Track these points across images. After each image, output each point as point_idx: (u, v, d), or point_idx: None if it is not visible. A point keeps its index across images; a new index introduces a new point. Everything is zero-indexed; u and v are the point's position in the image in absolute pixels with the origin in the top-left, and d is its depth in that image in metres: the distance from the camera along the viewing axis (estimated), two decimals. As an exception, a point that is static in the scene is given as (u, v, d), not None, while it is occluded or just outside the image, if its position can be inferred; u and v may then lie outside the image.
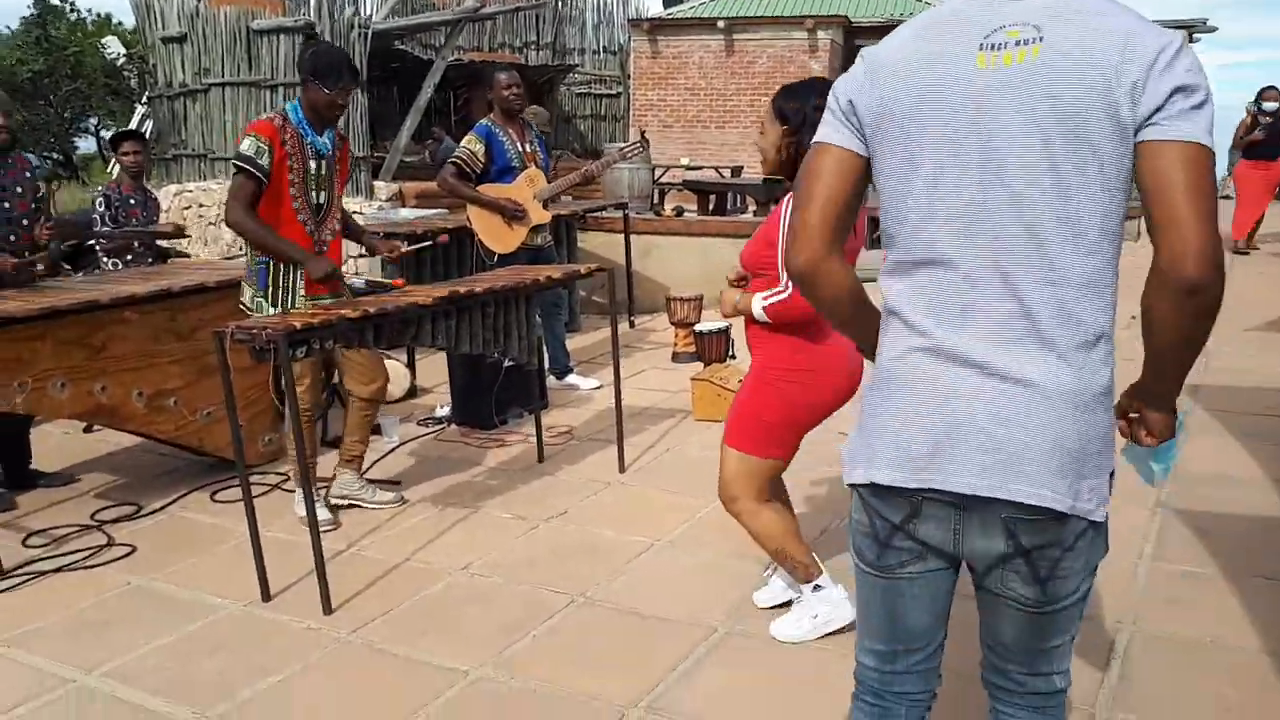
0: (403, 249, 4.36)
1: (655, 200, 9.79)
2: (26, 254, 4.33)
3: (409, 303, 3.64)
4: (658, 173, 10.33)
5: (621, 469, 4.55)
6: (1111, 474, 1.56)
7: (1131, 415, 1.63)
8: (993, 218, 1.48)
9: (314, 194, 3.81)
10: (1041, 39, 1.44)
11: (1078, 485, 1.49)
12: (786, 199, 2.62)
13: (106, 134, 22.92)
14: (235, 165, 3.67)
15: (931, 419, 1.53)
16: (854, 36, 14.33)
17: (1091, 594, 1.66)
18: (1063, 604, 1.59)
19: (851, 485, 1.66)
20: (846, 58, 14.51)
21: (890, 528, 1.62)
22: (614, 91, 16.52)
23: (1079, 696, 2.61)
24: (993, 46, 1.47)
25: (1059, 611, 1.60)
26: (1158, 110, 1.38)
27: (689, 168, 11.54)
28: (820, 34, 13.63)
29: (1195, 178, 1.36)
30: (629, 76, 15.19)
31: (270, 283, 3.78)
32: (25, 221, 4.30)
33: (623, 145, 6.15)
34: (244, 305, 3.86)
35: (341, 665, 2.95)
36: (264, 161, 3.63)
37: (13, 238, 4.23)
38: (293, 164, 3.71)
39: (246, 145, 3.64)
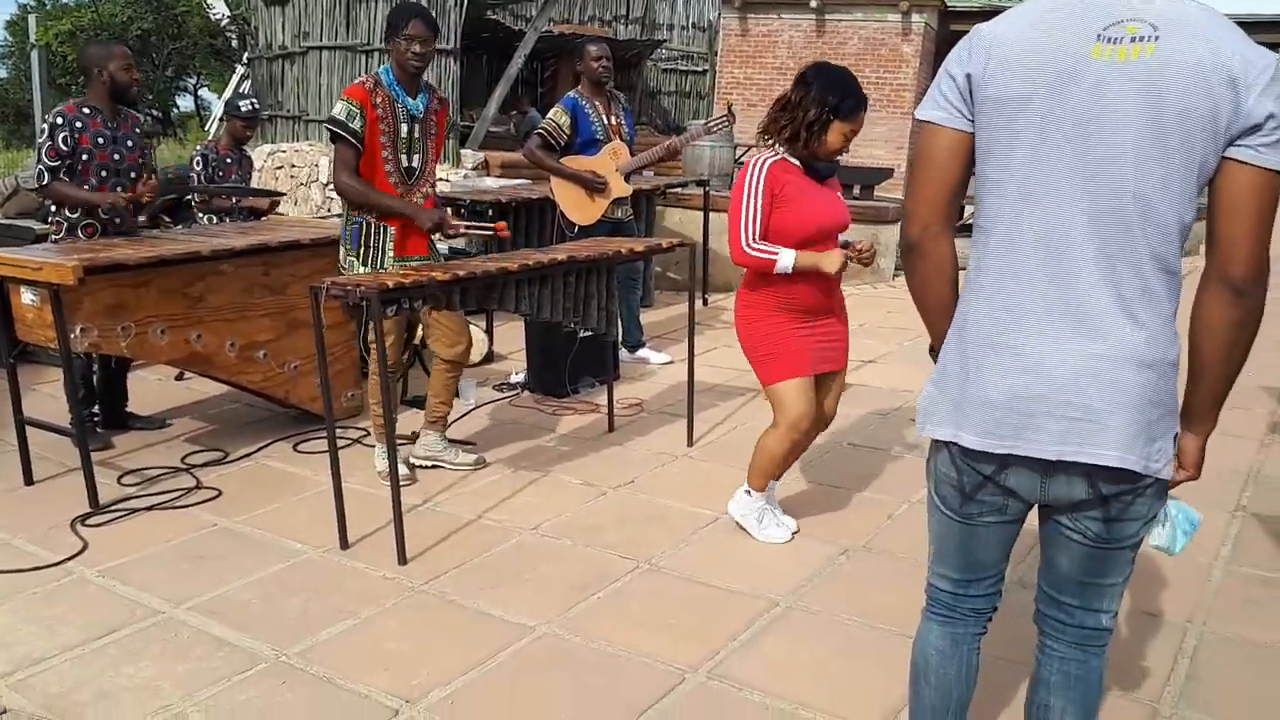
0: (461, 228, 4.12)
1: (735, 178, 9.72)
2: (131, 206, 4.50)
3: (496, 267, 3.72)
4: (739, 151, 10.26)
5: (690, 443, 4.59)
6: (1175, 436, 1.67)
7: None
8: (1088, 199, 1.56)
9: (405, 157, 3.90)
10: (1157, 39, 1.51)
11: (1149, 448, 1.60)
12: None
13: (206, 94, 23.59)
14: (329, 130, 3.81)
15: (1017, 387, 1.62)
16: (949, 21, 14.02)
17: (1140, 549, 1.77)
18: (1122, 544, 1.72)
19: (935, 440, 1.77)
20: (940, 42, 14.22)
21: (979, 482, 1.73)
22: (700, 68, 16.44)
23: (1144, 692, 2.60)
24: (1110, 40, 1.53)
25: (1117, 550, 1.73)
26: (1251, 131, 1.49)
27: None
28: (914, 17, 13.34)
29: (1264, 205, 1.51)
30: (716, 54, 15.07)
31: (362, 243, 3.89)
32: (133, 175, 4.48)
33: (708, 119, 6.11)
34: (339, 265, 3.98)
35: (415, 613, 3.06)
36: (355, 125, 3.74)
37: (120, 189, 4.39)
38: (384, 127, 3.81)
39: (339, 109, 3.77)
